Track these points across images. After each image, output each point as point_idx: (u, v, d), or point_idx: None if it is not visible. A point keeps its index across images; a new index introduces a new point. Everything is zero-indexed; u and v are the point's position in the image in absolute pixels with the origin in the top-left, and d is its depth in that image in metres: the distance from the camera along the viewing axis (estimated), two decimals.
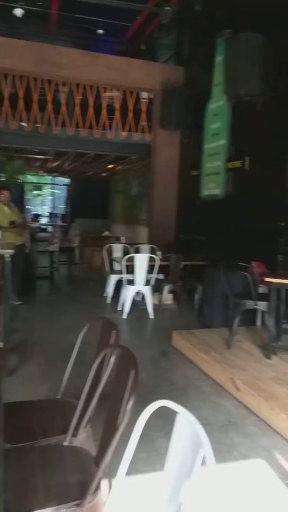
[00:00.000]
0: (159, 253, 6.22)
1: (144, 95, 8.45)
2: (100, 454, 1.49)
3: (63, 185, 19.45)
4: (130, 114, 8.09)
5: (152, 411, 1.26)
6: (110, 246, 6.88)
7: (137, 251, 6.57)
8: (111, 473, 1.48)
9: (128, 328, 5.27)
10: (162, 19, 6.53)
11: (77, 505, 1.34)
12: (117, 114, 8.10)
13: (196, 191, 6.95)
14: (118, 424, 1.32)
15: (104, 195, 16.59)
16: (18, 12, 7.68)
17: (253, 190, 5.48)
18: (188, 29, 7.89)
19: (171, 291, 6.21)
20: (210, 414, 2.98)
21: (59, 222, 17.65)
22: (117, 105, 8.11)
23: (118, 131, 8.20)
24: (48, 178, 20.12)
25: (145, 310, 5.68)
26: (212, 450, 1.02)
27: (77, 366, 2.06)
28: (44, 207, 22.22)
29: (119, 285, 6.10)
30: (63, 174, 16.80)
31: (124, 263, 5.64)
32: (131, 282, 5.66)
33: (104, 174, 14.76)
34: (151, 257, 5.64)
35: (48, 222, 18.54)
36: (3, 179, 10.67)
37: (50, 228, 14.48)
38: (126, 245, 7.05)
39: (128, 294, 5.61)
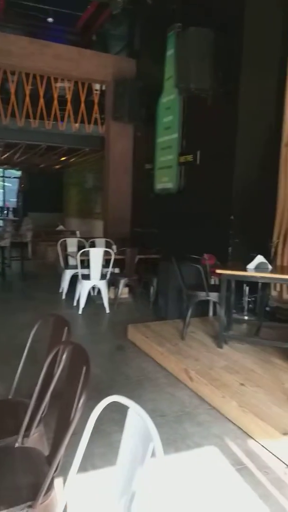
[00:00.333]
0: (114, 247, 6.21)
1: (97, 86, 8.34)
2: (53, 452, 1.47)
3: (14, 177, 18.81)
4: (82, 106, 7.98)
5: (103, 407, 1.26)
6: (65, 240, 6.78)
7: (92, 245, 6.53)
8: (65, 471, 1.47)
9: (84, 324, 5.23)
10: (113, 10, 6.45)
11: (29, 506, 1.32)
12: (69, 105, 7.96)
13: (150, 185, 6.99)
14: (70, 421, 1.31)
15: (58, 188, 16.22)
16: None
17: (205, 184, 5.59)
18: (139, 21, 7.85)
19: (127, 285, 6.23)
20: (165, 405, 3.03)
21: (10, 216, 17.08)
22: (69, 96, 7.96)
23: (70, 123, 8.06)
24: None
25: (101, 304, 5.66)
26: (167, 441, 1.05)
27: (30, 365, 2.03)
28: None
29: (74, 280, 6.03)
30: (14, 166, 16.22)
31: (79, 257, 5.57)
32: (86, 277, 5.61)
33: (57, 167, 14.45)
34: (106, 251, 5.62)
35: None
36: None
37: (0, 223, 14.00)
38: (81, 239, 6.97)
39: (83, 289, 5.56)
